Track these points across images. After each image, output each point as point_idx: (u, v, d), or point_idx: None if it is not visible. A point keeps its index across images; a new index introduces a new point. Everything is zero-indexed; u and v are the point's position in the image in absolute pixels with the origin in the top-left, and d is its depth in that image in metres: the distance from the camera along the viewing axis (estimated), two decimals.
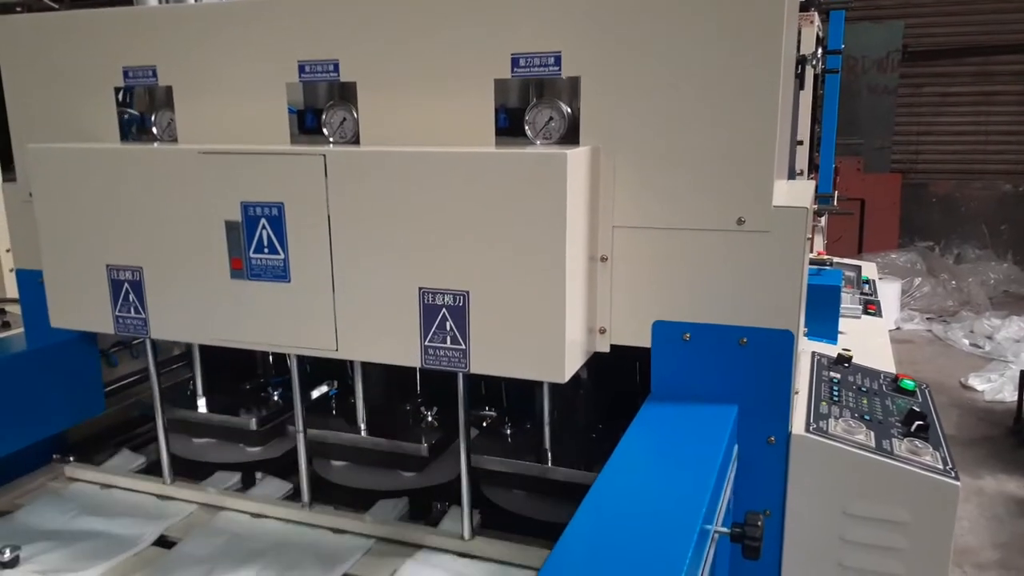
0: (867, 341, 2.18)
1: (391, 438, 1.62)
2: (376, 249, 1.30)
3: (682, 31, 1.24)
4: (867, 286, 3.30)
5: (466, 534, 1.42)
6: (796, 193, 1.40)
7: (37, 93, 1.71)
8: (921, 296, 7.37)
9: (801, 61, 3.50)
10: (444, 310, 1.28)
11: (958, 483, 1.26)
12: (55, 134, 1.69)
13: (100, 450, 1.86)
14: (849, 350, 1.91)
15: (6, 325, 3.04)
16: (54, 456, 1.81)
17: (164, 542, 1.49)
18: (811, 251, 3.81)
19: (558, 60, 1.32)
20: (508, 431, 1.66)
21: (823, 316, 2.23)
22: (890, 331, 6.69)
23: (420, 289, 1.29)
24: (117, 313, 1.52)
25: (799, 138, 3.75)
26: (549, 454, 1.53)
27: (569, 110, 1.35)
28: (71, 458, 1.79)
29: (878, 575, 1.30)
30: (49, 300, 1.58)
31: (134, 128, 1.66)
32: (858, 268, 3.56)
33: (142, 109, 1.65)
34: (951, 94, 8.46)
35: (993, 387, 5.22)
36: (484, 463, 1.53)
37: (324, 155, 1.29)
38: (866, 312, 2.76)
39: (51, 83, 1.69)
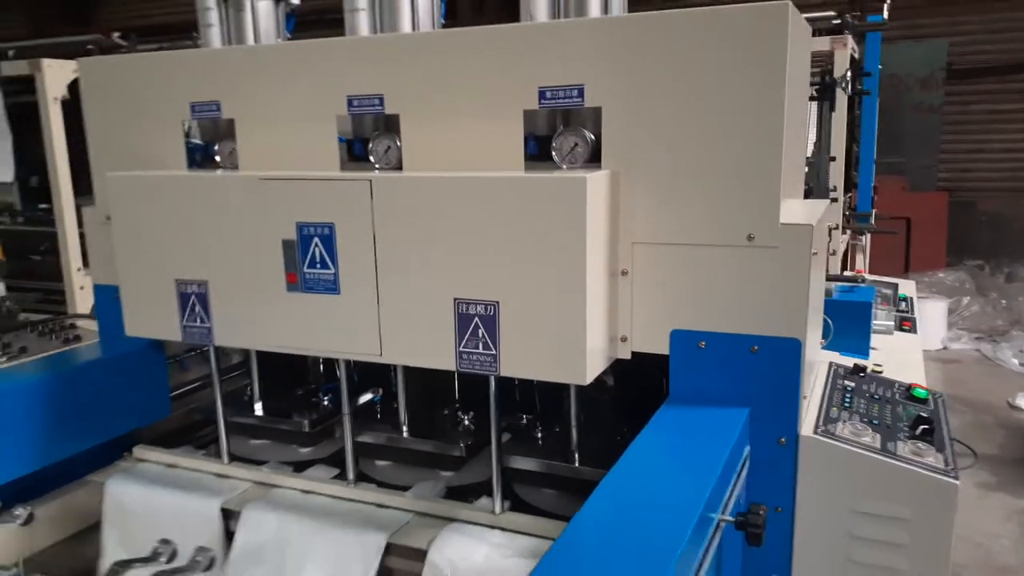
0: (900, 357, 2.22)
1: (430, 439, 1.75)
2: (416, 264, 1.44)
3: (692, 65, 1.36)
4: (904, 303, 3.33)
5: (497, 509, 1.53)
6: (805, 212, 1.50)
7: (113, 125, 1.90)
8: (969, 315, 7.26)
9: (831, 84, 3.58)
10: (477, 319, 1.41)
11: (957, 482, 1.34)
12: (129, 162, 1.87)
13: (169, 446, 2.03)
14: (880, 365, 1.97)
15: (77, 338, 3.26)
16: (124, 455, 1.98)
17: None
18: (844, 260, 3.83)
19: (581, 92, 1.45)
20: (539, 434, 1.77)
21: (855, 332, 2.30)
22: (936, 351, 6.63)
23: (455, 300, 1.42)
24: (184, 323, 1.68)
25: (832, 155, 3.81)
26: (576, 455, 1.64)
27: (592, 137, 1.48)
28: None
29: (883, 569, 1.39)
30: (124, 311, 1.75)
31: (198, 156, 1.84)
32: (895, 286, 3.60)
33: (206, 139, 1.82)
34: (1000, 111, 8.37)
35: None
36: (515, 463, 1.64)
37: (370, 180, 1.44)
38: (900, 328, 2.80)
39: (126, 116, 1.88)
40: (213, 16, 1.89)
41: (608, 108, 1.43)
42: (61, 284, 3.87)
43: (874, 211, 4.85)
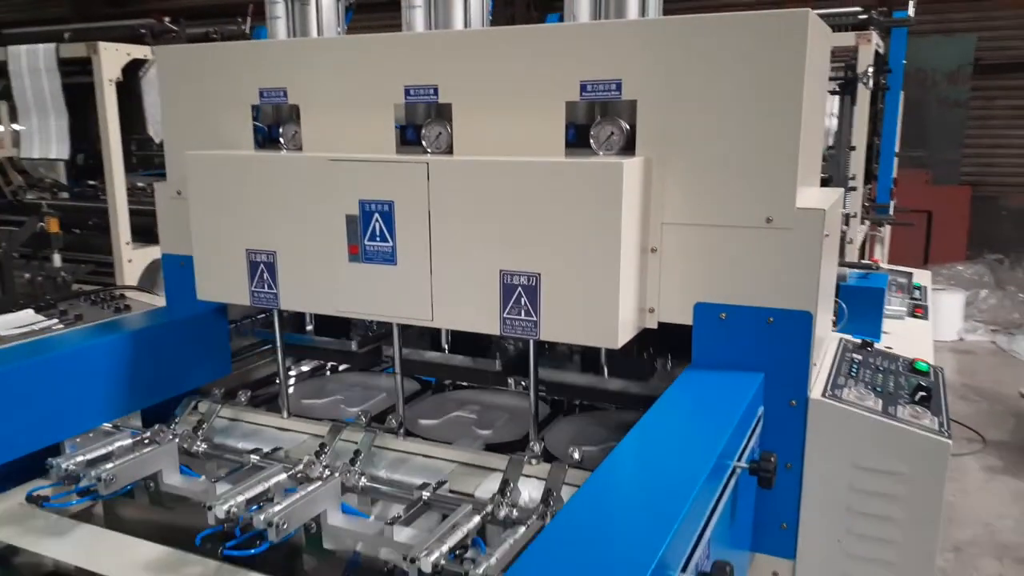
0: (910, 341, 2.36)
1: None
2: (467, 238, 1.60)
3: (721, 64, 1.51)
4: (917, 291, 3.46)
5: (536, 448, 1.69)
6: (819, 198, 1.65)
7: (186, 108, 2.08)
8: (987, 308, 7.35)
9: (853, 79, 3.70)
10: (520, 288, 1.58)
11: (949, 441, 1.50)
12: (200, 142, 2.04)
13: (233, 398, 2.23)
14: (891, 347, 2.11)
15: (127, 308, 3.47)
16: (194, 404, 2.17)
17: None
18: (862, 249, 3.95)
19: (619, 86, 1.60)
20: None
21: (868, 316, 2.44)
22: (952, 342, 6.73)
23: (501, 271, 1.59)
24: (253, 288, 1.86)
25: (852, 144, 3.93)
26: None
27: (628, 126, 1.63)
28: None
29: (880, 519, 1.55)
30: (197, 277, 1.93)
31: (262, 138, 2.01)
32: (910, 274, 3.73)
33: (272, 122, 2.00)
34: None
35: None
36: (555, 376, 1.81)
37: (427, 163, 1.61)
38: (912, 315, 2.94)
39: (199, 100, 2.05)
40: (280, 9, 2.06)
41: (643, 101, 1.59)
42: (110, 257, 4.09)
43: (893, 202, 4.96)
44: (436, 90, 1.76)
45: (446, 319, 1.67)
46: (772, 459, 1.36)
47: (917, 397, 1.64)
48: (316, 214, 1.74)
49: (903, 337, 2.44)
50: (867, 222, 4.91)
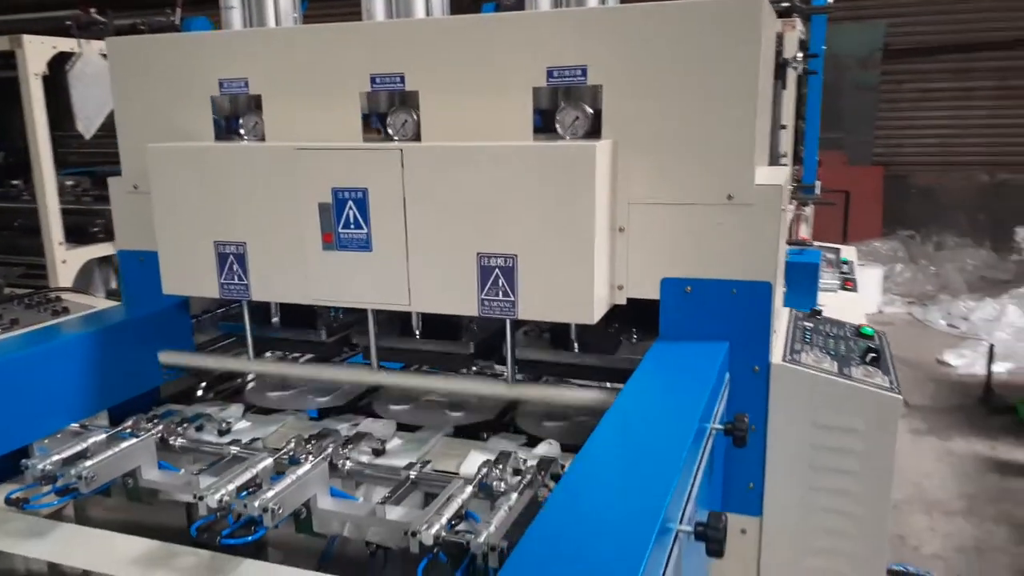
0: (843, 312, 2.51)
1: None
2: (442, 223, 1.64)
3: (682, 49, 1.59)
4: (845, 266, 3.66)
5: (510, 378, 1.77)
6: (774, 175, 1.75)
7: (140, 101, 2.04)
8: (902, 281, 7.77)
9: (784, 64, 3.86)
10: (497, 270, 1.63)
11: (900, 397, 1.62)
12: (156, 135, 2.01)
13: (191, 403, 2.21)
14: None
15: (65, 310, 3.36)
16: (153, 407, 2.14)
17: None
18: (790, 228, 4.15)
19: (584, 72, 1.66)
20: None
21: (803, 290, 2.58)
22: (871, 314, 7.09)
23: (478, 253, 1.63)
24: (222, 281, 1.86)
25: (783, 123, 4.10)
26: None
27: (591, 111, 1.70)
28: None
29: (839, 472, 1.66)
30: (163, 272, 1.92)
31: (221, 129, 2.00)
32: (837, 250, 3.94)
33: (232, 113, 1.98)
34: (931, 90, 8.87)
35: (966, 362, 5.62)
36: (527, 355, 1.86)
37: (401, 149, 1.64)
38: (844, 288, 3.12)
39: (153, 92, 2.02)
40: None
41: (608, 86, 1.66)
42: (42, 259, 3.95)
43: (819, 183, 5.19)
44: (403, 78, 1.79)
45: (424, 303, 1.71)
46: (745, 419, 1.45)
47: (868, 358, 1.76)
48: (287, 203, 1.75)
49: (838, 308, 2.58)
50: (794, 202, 5.12)
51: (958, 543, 3.45)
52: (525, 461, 1.51)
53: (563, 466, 1.51)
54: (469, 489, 1.40)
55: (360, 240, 1.71)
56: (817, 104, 5.23)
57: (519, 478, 1.44)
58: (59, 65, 3.94)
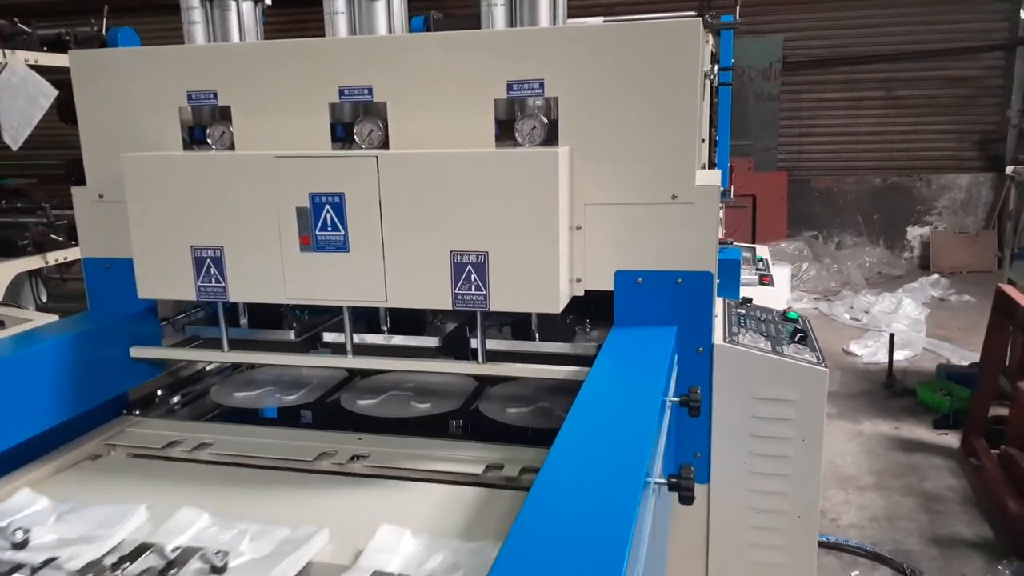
0: (766, 303, 2.75)
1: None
2: (416, 224, 1.78)
3: (630, 65, 1.78)
4: (761, 263, 3.96)
5: (480, 359, 1.91)
6: (710, 177, 1.95)
7: (104, 112, 2.10)
8: (809, 279, 8.27)
9: (703, 76, 4.15)
10: (469, 266, 1.77)
11: (827, 370, 1.85)
12: (120, 146, 2.05)
13: (161, 405, 2.26)
14: None
15: (1, 324, 3.32)
16: (123, 412, 2.18)
17: None
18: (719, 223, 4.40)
19: (542, 85, 1.83)
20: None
21: (727, 284, 2.81)
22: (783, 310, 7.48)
23: (451, 252, 1.77)
24: (199, 283, 1.93)
25: (702, 137, 4.40)
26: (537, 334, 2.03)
27: (547, 120, 1.86)
28: (137, 412, 2.18)
29: (776, 439, 1.88)
30: (138, 276, 1.97)
31: (189, 138, 2.07)
32: (753, 249, 4.24)
33: (196, 123, 2.06)
34: (826, 100, 9.48)
35: (870, 351, 6.06)
36: (494, 346, 1.97)
37: (377, 156, 1.77)
38: (761, 283, 3.40)
39: (118, 104, 2.08)
40: (198, 14, 2.13)
41: (564, 98, 1.83)
42: None
43: (732, 187, 5.53)
44: (371, 90, 1.92)
45: (400, 299, 1.83)
46: (698, 392, 1.64)
47: (796, 338, 1.99)
48: (264, 208, 1.84)
49: (758, 301, 2.84)
50: None
51: (871, 514, 3.77)
52: None
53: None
54: None
55: (337, 242, 1.82)
56: (727, 114, 5.59)
57: None
58: None
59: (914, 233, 9.44)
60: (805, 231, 9.44)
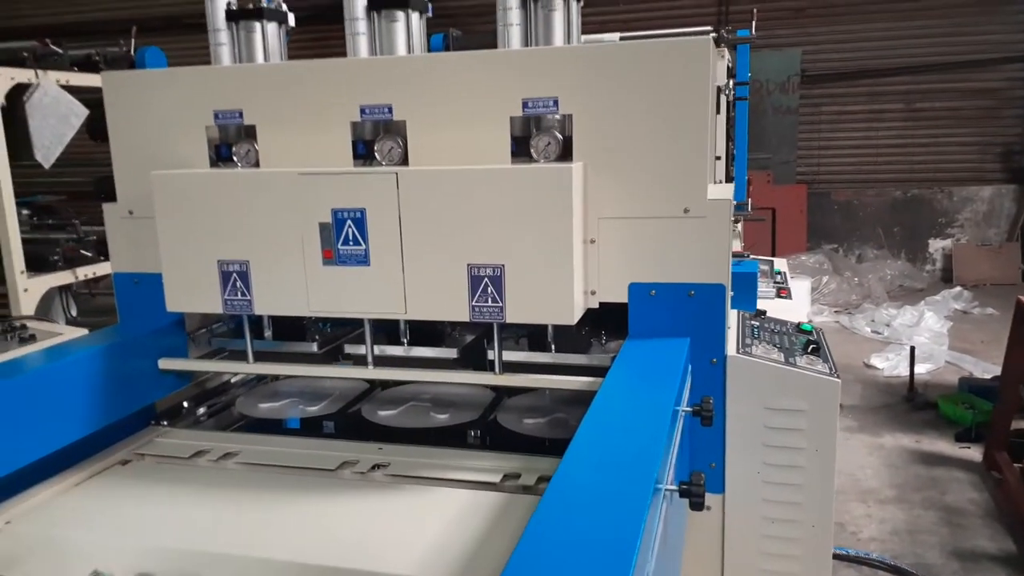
0: (783, 316, 2.78)
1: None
2: (435, 238, 1.83)
3: (642, 82, 1.82)
4: (779, 276, 3.98)
5: (497, 370, 1.95)
6: (722, 191, 1.99)
7: (134, 131, 2.17)
8: (829, 292, 8.23)
9: (717, 91, 4.18)
10: (486, 279, 1.82)
11: (839, 381, 1.87)
12: (150, 163, 2.13)
13: (187, 416, 2.32)
14: None
15: (32, 338, 3.42)
16: (151, 422, 2.25)
17: None
18: (733, 237, 4.45)
19: (556, 103, 1.88)
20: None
21: (744, 297, 2.84)
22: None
23: (468, 265, 1.82)
24: (226, 297, 2.00)
25: (717, 154, 4.43)
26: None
27: (561, 137, 1.91)
28: (164, 423, 2.25)
29: (789, 449, 1.90)
30: (167, 290, 2.04)
31: (215, 156, 2.14)
32: (771, 262, 4.26)
33: (222, 141, 2.13)
34: (846, 112, 9.47)
35: (891, 364, 6.02)
36: (511, 357, 2.02)
37: (396, 173, 1.82)
38: (779, 296, 3.42)
39: (149, 124, 2.16)
40: (224, 36, 2.21)
41: (578, 115, 1.88)
42: (2, 287, 3.96)
43: (749, 200, 5.55)
44: (391, 108, 1.98)
45: (419, 311, 1.88)
46: (710, 401, 1.67)
47: (809, 349, 2.01)
48: (288, 224, 1.91)
49: (775, 314, 2.86)
50: None
51: (892, 527, 3.75)
52: None
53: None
54: None
55: (359, 256, 1.88)
56: (745, 127, 5.62)
57: None
58: (16, 96, 3.98)
59: (936, 246, 9.37)
60: (825, 244, 9.40)
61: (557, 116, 1.89)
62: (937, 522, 3.78)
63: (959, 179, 9.29)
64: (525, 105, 1.90)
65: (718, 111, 4.29)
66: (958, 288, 8.20)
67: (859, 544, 3.58)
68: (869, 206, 9.49)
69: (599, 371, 1.86)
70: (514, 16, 1.97)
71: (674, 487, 1.35)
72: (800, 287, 7.89)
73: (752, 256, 4.00)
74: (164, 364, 2.17)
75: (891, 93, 9.25)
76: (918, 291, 8.60)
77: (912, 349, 5.57)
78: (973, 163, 9.27)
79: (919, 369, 5.64)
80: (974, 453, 4.49)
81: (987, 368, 5.77)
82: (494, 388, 2.31)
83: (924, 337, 6.52)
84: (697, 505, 1.33)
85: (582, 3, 2.03)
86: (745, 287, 2.88)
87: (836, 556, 3.33)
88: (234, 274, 1.98)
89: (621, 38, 4.84)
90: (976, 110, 9.10)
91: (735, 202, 5.82)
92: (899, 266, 9.10)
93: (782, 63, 9.32)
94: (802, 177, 9.61)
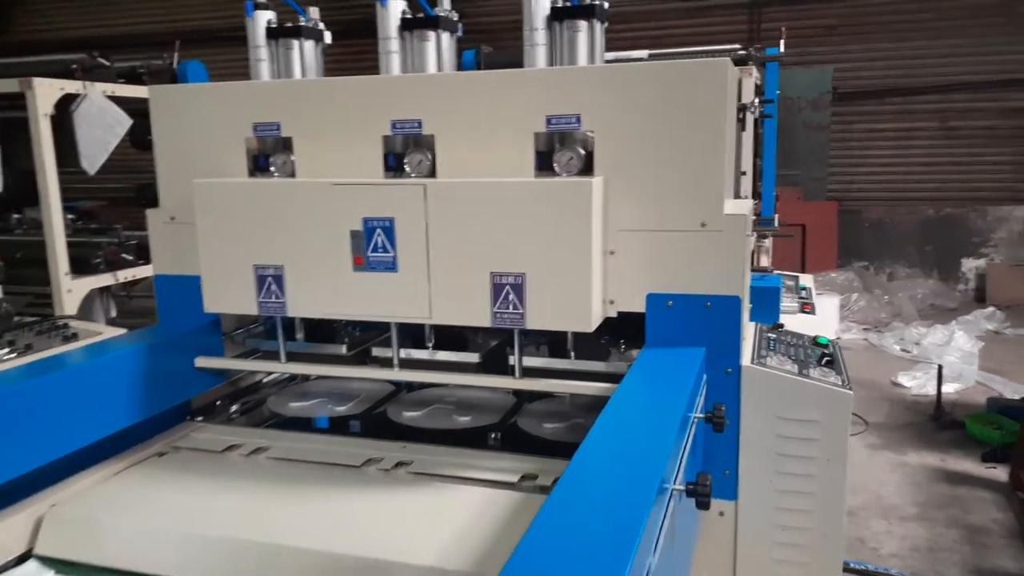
0: (805, 330, 2.81)
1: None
2: (460, 246, 1.91)
3: (661, 101, 1.89)
4: (804, 292, 4.01)
5: (517, 374, 2.03)
6: (740, 206, 2.05)
7: (178, 141, 2.29)
8: (858, 310, 8.19)
9: (742, 108, 4.24)
10: (508, 287, 1.90)
11: (851, 392, 1.92)
12: (192, 172, 2.24)
13: (221, 412, 2.42)
14: None
15: (75, 336, 3.56)
16: (187, 417, 2.36)
17: None
18: (753, 257, 4.50)
19: (579, 119, 1.96)
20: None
21: (766, 310, 2.89)
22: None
23: (491, 273, 1.90)
24: (261, 299, 2.10)
25: (743, 170, 4.47)
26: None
27: (583, 152, 1.99)
28: (199, 418, 2.35)
29: (801, 458, 1.95)
30: (205, 292, 2.14)
31: (252, 166, 2.25)
32: (796, 277, 4.29)
33: (260, 152, 2.23)
34: (877, 130, 9.43)
35: (918, 383, 5.99)
36: (531, 363, 2.09)
37: (425, 185, 1.91)
38: (802, 311, 3.45)
39: (192, 135, 2.27)
40: (263, 52, 2.32)
41: (599, 131, 1.95)
42: (47, 288, 4.12)
43: (776, 216, 5.57)
44: (420, 123, 2.07)
45: (443, 316, 1.97)
46: (722, 408, 1.73)
47: (823, 361, 2.06)
48: (322, 231, 2.00)
49: (800, 328, 2.90)
50: (754, 234, 5.50)
51: (912, 544, 3.75)
52: None
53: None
54: None
55: (387, 262, 1.97)
56: (773, 143, 5.66)
57: None
58: (64, 106, 4.16)
59: (969, 265, 9.27)
60: (856, 262, 9.35)
61: (580, 132, 1.97)
62: (959, 540, 3.76)
63: (993, 198, 9.20)
64: (549, 121, 1.98)
65: (743, 128, 4.35)
66: (991, 308, 8.11)
67: (879, 560, 3.59)
68: (901, 224, 9.42)
69: (616, 378, 1.92)
70: (540, 37, 2.06)
71: (681, 487, 1.41)
72: (829, 304, 7.87)
73: (777, 272, 4.04)
74: (200, 362, 2.27)
75: (923, 112, 9.21)
76: (950, 310, 8.52)
77: (939, 368, 5.53)
78: (1008, 182, 9.17)
79: (948, 388, 5.60)
80: (1000, 473, 4.46)
81: (1017, 389, 5.72)
82: (515, 393, 2.39)
83: (954, 356, 6.46)
84: (703, 504, 1.39)
85: (606, 24, 2.12)
86: (768, 301, 2.93)
87: (855, 571, 3.34)
88: (269, 278, 2.08)
89: (650, 55, 4.94)
90: (1011, 129, 9.02)
91: (763, 218, 5.87)
92: (931, 285, 9.02)
93: (814, 80, 9.32)
94: (833, 194, 9.58)
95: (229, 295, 2.14)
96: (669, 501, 1.37)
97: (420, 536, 1.60)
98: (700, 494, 1.39)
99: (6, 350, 3.03)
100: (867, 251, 9.47)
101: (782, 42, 5.18)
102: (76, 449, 1.95)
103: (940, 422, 5.26)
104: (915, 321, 7.80)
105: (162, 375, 2.21)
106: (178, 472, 2.00)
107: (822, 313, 3.62)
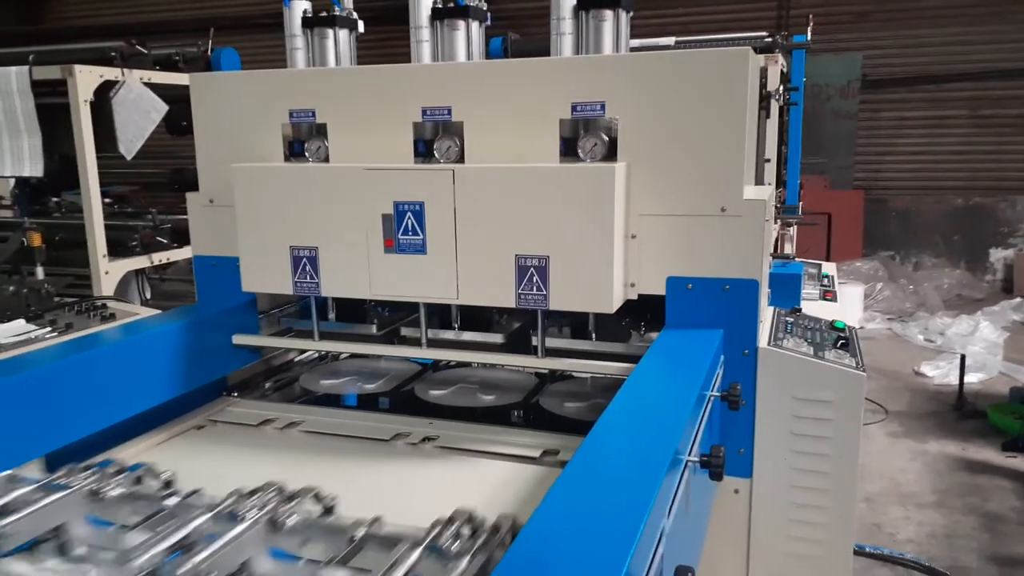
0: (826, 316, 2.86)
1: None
2: (486, 230, 1.98)
3: (683, 90, 1.95)
4: (826, 279, 4.03)
5: (540, 354, 2.11)
6: (760, 192, 2.10)
7: (217, 126, 2.38)
8: (883, 299, 8.16)
9: (767, 96, 4.25)
10: (532, 269, 1.97)
11: (864, 374, 1.97)
12: (230, 156, 2.33)
13: (255, 389, 2.53)
14: None
15: (112, 316, 3.68)
16: (224, 393, 2.46)
17: None
18: (776, 245, 4.51)
19: (603, 107, 2.02)
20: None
21: (787, 296, 2.93)
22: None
23: (516, 255, 1.97)
24: (296, 279, 2.19)
25: (767, 157, 4.49)
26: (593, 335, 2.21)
27: (607, 138, 2.05)
28: (235, 394, 2.45)
29: (815, 438, 2.01)
30: (243, 272, 2.24)
31: (289, 151, 2.33)
32: (819, 265, 4.32)
33: (296, 138, 2.32)
34: (907, 118, 9.34)
35: (941, 373, 5.99)
36: (554, 344, 2.17)
37: (453, 170, 1.99)
38: (824, 298, 3.49)
39: (230, 121, 2.36)
40: (299, 41, 2.41)
41: (623, 118, 2.01)
42: (86, 270, 4.26)
43: (800, 204, 5.58)
44: (450, 111, 2.14)
45: (470, 296, 2.04)
46: (737, 387, 1.79)
47: (839, 344, 2.11)
48: (354, 214, 2.09)
49: (819, 314, 2.94)
50: (779, 222, 5.51)
51: (930, 531, 3.78)
52: (483, 520, 1.32)
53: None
54: (417, 553, 1.22)
55: (417, 245, 2.05)
56: (798, 131, 5.65)
57: (472, 540, 1.26)
58: (103, 92, 4.28)
59: (997, 255, 9.19)
60: (881, 251, 9.30)
61: (604, 119, 2.03)
62: (977, 528, 3.79)
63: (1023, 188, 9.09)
64: (574, 108, 2.04)
65: (768, 115, 4.37)
66: (1018, 299, 8.04)
67: (895, 545, 3.63)
68: (928, 213, 9.35)
69: (636, 359, 1.99)
70: (566, 26, 2.12)
71: (695, 459, 1.48)
72: (853, 293, 7.89)
73: (800, 259, 4.07)
74: (237, 340, 2.37)
75: (955, 100, 9.11)
76: (976, 301, 8.46)
77: (962, 357, 5.53)
78: None
79: (971, 379, 5.60)
80: (1020, 462, 4.47)
81: None
82: (537, 375, 2.46)
83: (978, 347, 6.44)
84: (716, 475, 1.46)
85: (631, 14, 2.17)
86: (789, 288, 2.97)
87: (871, 555, 3.39)
88: (304, 259, 2.17)
89: (677, 42, 4.96)
90: None
91: (788, 205, 5.86)
92: (957, 275, 8.96)
93: (842, 68, 9.25)
94: (859, 183, 9.52)
95: (266, 275, 2.23)
96: (684, 471, 1.44)
97: (444, 505, 1.68)
98: (714, 465, 1.46)
99: (47, 329, 3.16)
100: (893, 240, 9.41)
101: (809, 29, 5.18)
102: (120, 420, 2.06)
103: (962, 411, 5.26)
104: (940, 311, 7.77)
105: (200, 352, 2.31)
106: (215, 444, 2.10)
107: (844, 301, 3.65)
